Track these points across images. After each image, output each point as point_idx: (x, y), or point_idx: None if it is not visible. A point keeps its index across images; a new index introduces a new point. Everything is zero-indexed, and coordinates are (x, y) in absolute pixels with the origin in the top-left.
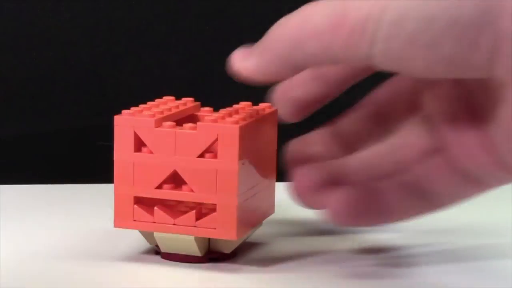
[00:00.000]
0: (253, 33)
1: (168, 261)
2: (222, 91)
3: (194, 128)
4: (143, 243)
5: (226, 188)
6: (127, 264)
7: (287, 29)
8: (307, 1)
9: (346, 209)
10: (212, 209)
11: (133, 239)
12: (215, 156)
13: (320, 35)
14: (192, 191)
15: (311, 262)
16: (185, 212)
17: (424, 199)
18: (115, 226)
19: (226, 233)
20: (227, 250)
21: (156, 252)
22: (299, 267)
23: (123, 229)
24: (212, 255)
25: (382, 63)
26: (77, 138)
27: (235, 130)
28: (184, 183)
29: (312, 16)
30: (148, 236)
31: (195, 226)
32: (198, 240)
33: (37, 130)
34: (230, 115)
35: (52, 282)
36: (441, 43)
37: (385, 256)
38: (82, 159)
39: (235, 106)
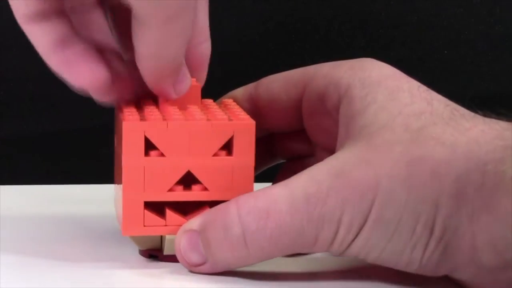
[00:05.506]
0: (252, 33)
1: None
2: (222, 91)
3: (208, 126)
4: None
5: (243, 184)
6: (127, 265)
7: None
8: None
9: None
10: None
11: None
12: (228, 153)
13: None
14: (206, 189)
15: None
16: (195, 212)
17: None
18: (124, 234)
19: None
20: None
21: (150, 255)
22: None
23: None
24: None
25: None
26: (77, 138)
27: (251, 126)
28: (194, 182)
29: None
30: (140, 240)
31: None
32: None
33: (37, 130)
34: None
35: (52, 282)
36: None
37: None
38: (82, 159)
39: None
